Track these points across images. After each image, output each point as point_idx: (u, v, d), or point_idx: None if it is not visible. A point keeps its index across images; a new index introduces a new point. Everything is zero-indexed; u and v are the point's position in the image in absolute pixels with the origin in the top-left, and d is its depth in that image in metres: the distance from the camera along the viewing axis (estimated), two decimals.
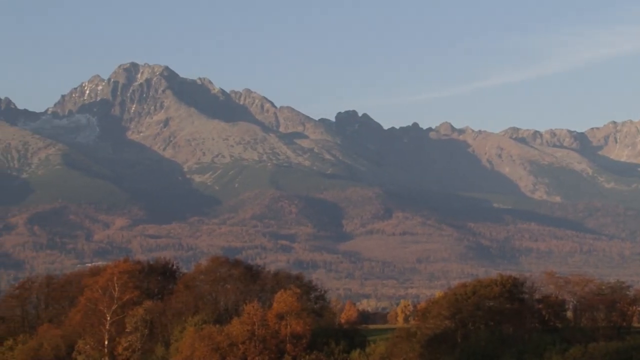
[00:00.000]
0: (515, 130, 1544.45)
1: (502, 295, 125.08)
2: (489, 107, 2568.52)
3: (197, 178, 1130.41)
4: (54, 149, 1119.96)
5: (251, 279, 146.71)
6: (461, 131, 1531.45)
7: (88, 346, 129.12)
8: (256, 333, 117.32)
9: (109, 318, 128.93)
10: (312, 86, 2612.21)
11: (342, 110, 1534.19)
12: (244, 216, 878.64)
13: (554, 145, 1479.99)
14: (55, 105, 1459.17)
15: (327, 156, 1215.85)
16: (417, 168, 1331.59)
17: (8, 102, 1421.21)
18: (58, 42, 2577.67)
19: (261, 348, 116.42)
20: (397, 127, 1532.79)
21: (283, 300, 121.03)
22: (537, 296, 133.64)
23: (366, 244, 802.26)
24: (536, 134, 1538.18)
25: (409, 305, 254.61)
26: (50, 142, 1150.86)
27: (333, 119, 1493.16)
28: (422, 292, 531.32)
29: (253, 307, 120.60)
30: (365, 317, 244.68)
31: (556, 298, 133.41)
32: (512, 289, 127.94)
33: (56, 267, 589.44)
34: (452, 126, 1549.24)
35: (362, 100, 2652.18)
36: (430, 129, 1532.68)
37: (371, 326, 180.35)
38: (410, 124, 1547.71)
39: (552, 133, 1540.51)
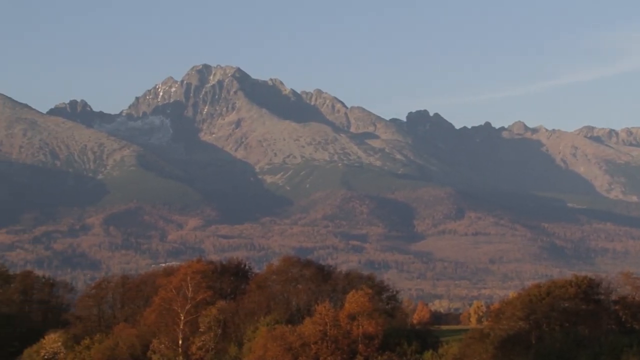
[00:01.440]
0: (590, 129, 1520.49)
1: (577, 296, 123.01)
2: (563, 106, 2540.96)
3: (269, 179, 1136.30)
4: (129, 150, 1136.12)
5: (323, 279, 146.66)
6: (534, 130, 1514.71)
7: (163, 345, 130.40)
8: (328, 333, 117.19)
9: (182, 318, 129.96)
10: (383, 86, 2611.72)
11: (414, 110, 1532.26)
12: (315, 216, 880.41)
13: (630, 144, 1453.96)
14: (129, 107, 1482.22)
15: (399, 156, 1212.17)
16: (490, 168, 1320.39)
17: (84, 104, 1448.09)
18: (132, 45, 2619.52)
19: (333, 348, 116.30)
20: (469, 126, 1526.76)
21: (355, 300, 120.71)
22: (613, 297, 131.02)
23: (438, 244, 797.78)
24: (612, 132, 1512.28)
25: (481, 306, 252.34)
26: (125, 144, 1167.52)
27: (404, 119, 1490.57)
28: (495, 293, 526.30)
29: (325, 307, 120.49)
30: (437, 317, 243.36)
31: (633, 299, 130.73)
32: (588, 290, 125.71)
33: (131, 267, 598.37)
34: (525, 125, 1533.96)
35: (433, 99, 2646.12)
36: (502, 128, 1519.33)
37: (444, 327, 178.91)
38: (482, 123, 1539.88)
39: (629, 132, 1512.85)
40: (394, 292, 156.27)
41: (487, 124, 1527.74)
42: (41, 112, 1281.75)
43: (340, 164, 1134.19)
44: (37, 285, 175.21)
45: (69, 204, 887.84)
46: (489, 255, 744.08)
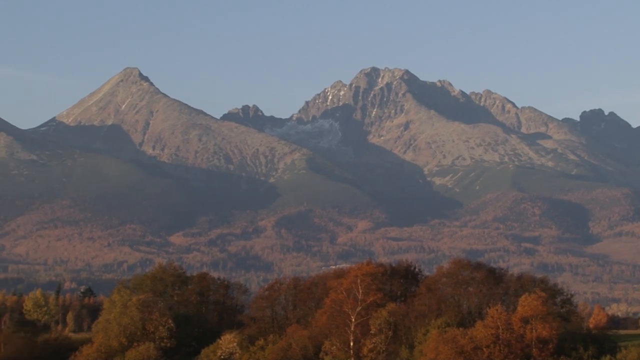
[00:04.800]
0: None
1: None
2: None
3: (438, 181, 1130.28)
4: (299, 154, 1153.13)
5: (494, 282, 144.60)
6: None
7: (334, 347, 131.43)
8: (501, 337, 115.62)
9: (353, 320, 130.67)
10: (554, 85, 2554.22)
11: (587, 109, 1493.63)
12: (485, 218, 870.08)
13: None
14: (299, 111, 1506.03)
15: (572, 156, 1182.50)
16: None
17: (256, 109, 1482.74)
18: (302, 50, 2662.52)
19: (506, 352, 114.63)
20: None
21: (528, 303, 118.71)
22: None
23: (615, 246, 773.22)
24: None
25: None
26: (295, 148, 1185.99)
27: (577, 119, 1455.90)
28: None
29: (497, 310, 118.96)
30: (615, 322, 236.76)
31: None
32: None
33: (302, 269, 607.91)
34: None
35: (608, 98, 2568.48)
36: None
37: (622, 331, 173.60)
38: None
39: None
40: (569, 296, 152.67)
41: None
42: (215, 118, 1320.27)
43: (511, 165, 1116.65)
44: (213, 287, 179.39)
45: (242, 208, 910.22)
46: None
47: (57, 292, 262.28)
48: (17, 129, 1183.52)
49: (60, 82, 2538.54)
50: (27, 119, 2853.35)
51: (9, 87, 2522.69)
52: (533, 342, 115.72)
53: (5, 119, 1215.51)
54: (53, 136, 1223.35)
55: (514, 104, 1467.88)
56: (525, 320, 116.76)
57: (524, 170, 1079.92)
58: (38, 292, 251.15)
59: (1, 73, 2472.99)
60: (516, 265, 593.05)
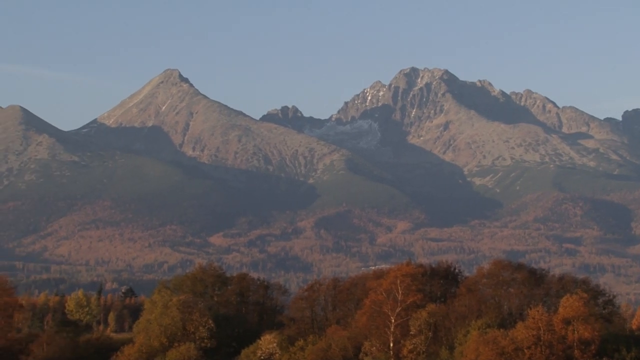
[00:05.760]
0: None
1: None
2: None
3: (478, 181, 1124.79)
4: (338, 154, 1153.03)
5: (535, 283, 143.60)
6: None
7: (374, 348, 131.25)
8: (542, 338, 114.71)
9: (393, 320, 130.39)
10: (596, 85, 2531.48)
11: (630, 109, 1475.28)
12: (526, 219, 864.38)
13: None
14: (338, 112, 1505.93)
15: (614, 156, 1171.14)
16: None
17: (295, 110, 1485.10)
18: (340, 51, 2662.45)
19: (547, 353, 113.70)
20: None
21: (569, 305, 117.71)
22: None
23: None
24: None
25: None
26: (335, 148, 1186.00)
27: (619, 118, 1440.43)
28: None
29: (538, 311, 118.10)
30: None
31: None
32: None
33: (341, 269, 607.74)
34: None
35: None
36: None
37: None
38: None
39: None
40: (611, 297, 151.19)
41: None
42: (254, 119, 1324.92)
43: (552, 165, 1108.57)
44: (253, 288, 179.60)
45: (282, 208, 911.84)
46: None
47: (99, 293, 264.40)
48: (59, 130, 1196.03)
49: (101, 84, 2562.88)
50: (68, 121, 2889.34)
51: (51, 89, 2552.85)
52: (575, 344, 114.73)
53: (48, 121, 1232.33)
54: (94, 137, 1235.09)
55: (554, 104, 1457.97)
56: (567, 322, 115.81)
57: (565, 171, 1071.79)
58: (80, 293, 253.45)
59: (43, 75, 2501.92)
60: (557, 266, 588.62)
